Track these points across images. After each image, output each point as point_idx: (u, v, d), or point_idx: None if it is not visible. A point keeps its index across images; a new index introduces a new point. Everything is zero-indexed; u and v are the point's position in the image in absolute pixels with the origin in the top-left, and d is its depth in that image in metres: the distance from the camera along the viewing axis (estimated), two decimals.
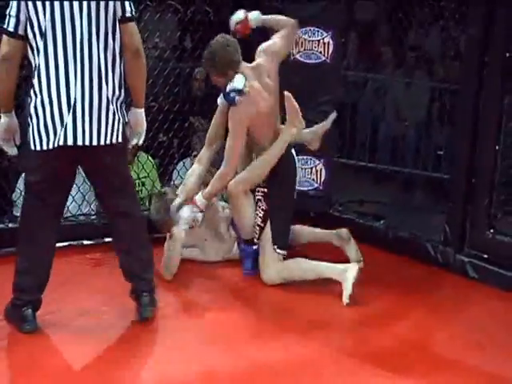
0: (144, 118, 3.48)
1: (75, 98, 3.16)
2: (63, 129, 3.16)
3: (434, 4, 5.97)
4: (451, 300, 4.20)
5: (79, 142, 3.19)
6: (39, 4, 3.13)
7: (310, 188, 5.18)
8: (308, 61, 5.08)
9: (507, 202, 4.55)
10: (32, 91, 3.21)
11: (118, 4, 3.24)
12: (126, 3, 3.26)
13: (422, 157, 6.06)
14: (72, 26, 3.14)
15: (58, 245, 4.44)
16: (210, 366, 3.28)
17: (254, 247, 4.21)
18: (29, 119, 3.24)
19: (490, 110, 4.35)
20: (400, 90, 6.50)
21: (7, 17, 3.19)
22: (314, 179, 5.17)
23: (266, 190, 4.18)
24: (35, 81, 3.19)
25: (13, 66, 3.21)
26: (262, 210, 4.17)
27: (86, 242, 4.65)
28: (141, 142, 3.52)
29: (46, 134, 3.18)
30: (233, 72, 4.07)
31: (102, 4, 3.19)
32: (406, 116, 6.47)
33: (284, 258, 4.16)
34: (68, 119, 3.16)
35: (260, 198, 4.18)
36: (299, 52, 5.08)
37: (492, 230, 4.39)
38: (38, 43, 3.15)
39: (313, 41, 5.04)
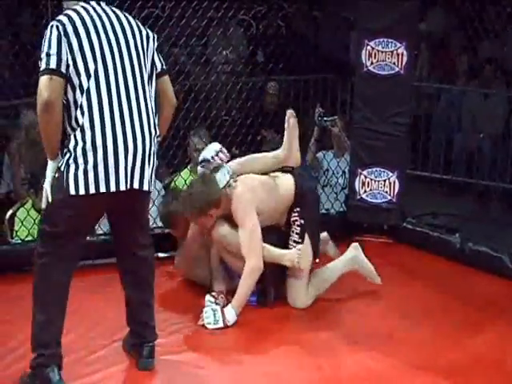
0: None
1: (125, 142, 2.99)
2: (115, 174, 2.99)
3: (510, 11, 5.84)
4: None
5: (122, 188, 3.01)
6: (86, 43, 2.96)
7: (383, 200, 5.12)
8: (381, 72, 5.03)
9: None
10: (72, 131, 2.97)
11: (156, 56, 3.18)
12: (160, 57, 3.22)
13: (499, 169, 5.93)
14: (122, 69, 3.02)
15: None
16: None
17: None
18: (69, 162, 2.97)
19: None
20: (475, 101, 6.39)
21: (45, 57, 2.92)
22: (387, 191, 5.11)
23: (299, 208, 4.10)
24: (80, 119, 2.95)
25: (56, 113, 2.93)
26: (298, 225, 4.10)
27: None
28: None
29: (95, 178, 2.96)
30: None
31: (143, 53, 3.12)
32: (481, 127, 6.35)
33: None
34: (122, 164, 3.00)
35: (296, 218, 4.09)
36: (372, 64, 5.04)
37: None
38: (83, 82, 2.95)
39: (386, 52, 5.00)
